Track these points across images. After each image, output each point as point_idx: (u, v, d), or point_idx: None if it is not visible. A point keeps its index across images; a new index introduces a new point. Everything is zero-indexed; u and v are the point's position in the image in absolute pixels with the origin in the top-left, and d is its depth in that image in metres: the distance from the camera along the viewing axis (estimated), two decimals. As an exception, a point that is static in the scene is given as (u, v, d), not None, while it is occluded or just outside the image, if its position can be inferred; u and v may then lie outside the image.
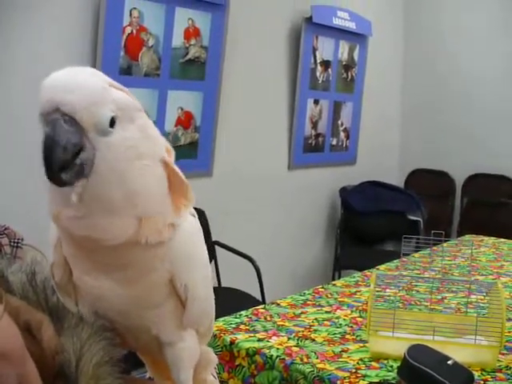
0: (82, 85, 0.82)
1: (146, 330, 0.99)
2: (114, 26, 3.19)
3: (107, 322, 0.93)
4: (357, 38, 4.98)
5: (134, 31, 3.30)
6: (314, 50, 4.61)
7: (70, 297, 0.98)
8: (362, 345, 1.94)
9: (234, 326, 2.06)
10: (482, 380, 1.74)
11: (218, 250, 3.82)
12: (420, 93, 5.76)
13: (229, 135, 4.00)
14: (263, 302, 3.54)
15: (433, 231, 2.22)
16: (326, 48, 4.72)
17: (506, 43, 5.26)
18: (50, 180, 0.82)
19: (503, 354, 1.89)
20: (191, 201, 0.97)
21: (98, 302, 0.95)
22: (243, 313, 2.21)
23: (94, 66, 3.15)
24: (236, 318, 2.15)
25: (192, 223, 1.00)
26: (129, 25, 3.27)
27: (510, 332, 2.06)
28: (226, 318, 2.14)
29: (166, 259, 0.95)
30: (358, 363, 1.80)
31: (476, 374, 1.71)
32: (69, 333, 0.83)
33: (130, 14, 3.25)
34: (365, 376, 1.72)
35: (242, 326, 2.06)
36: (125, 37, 3.26)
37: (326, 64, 4.76)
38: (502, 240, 3.71)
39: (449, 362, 1.63)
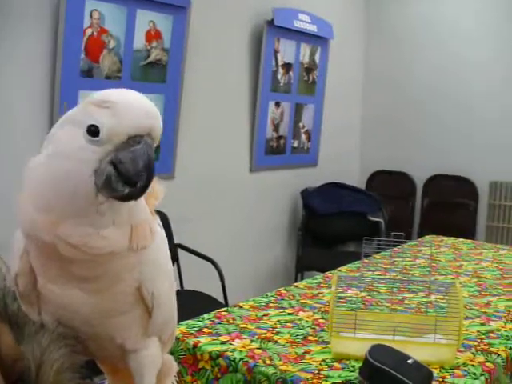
0: (158, 114, 0.93)
1: (110, 339, 1.00)
2: (74, 28, 3.16)
3: (70, 330, 0.93)
4: (318, 40, 5.02)
5: (95, 33, 3.27)
6: (276, 52, 4.63)
7: (32, 306, 0.98)
8: (324, 346, 1.96)
9: (196, 329, 2.06)
10: (441, 377, 1.77)
11: (181, 252, 3.81)
12: (380, 95, 5.83)
13: (191, 138, 4.00)
14: (226, 304, 3.55)
15: (393, 233, 2.25)
16: (287, 51, 4.74)
17: (459, 52, 5.36)
18: (124, 194, 0.90)
19: (461, 352, 1.93)
20: (159, 200, 1.01)
21: (62, 311, 0.95)
22: (206, 316, 2.21)
23: (53, 68, 3.12)
24: (199, 321, 2.15)
25: (160, 233, 1.02)
26: (89, 27, 3.24)
27: (467, 330, 2.11)
28: (188, 321, 2.14)
29: (136, 268, 0.96)
30: (320, 364, 1.82)
31: (435, 372, 1.74)
32: (29, 340, 0.83)
33: (91, 16, 3.23)
34: (327, 377, 1.73)
35: (204, 329, 2.06)
36: (85, 39, 3.24)
37: (287, 67, 4.78)
38: (461, 240, 3.78)
39: (409, 361, 1.66)
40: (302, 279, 4.72)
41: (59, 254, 0.90)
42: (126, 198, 0.90)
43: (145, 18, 3.51)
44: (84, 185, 0.89)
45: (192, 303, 3.34)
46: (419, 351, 1.79)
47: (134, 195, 0.91)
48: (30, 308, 0.98)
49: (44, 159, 0.92)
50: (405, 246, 3.08)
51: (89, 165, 0.89)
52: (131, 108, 0.89)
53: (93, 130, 0.88)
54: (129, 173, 0.88)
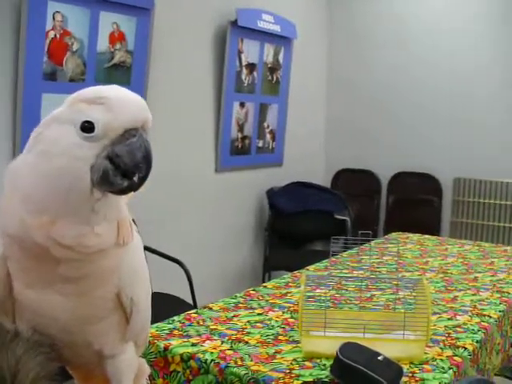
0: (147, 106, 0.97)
1: (87, 345, 0.99)
2: (36, 30, 3.12)
3: (45, 338, 0.92)
4: (282, 40, 5.04)
5: (58, 35, 3.24)
6: (240, 52, 4.63)
7: (7, 314, 0.97)
8: (294, 345, 1.97)
9: (167, 331, 2.06)
10: (411, 372, 1.80)
11: (147, 254, 3.78)
12: (344, 95, 5.88)
13: (156, 139, 3.94)
14: (194, 305, 3.54)
15: (360, 231, 2.27)
16: (251, 51, 4.75)
17: (420, 51, 5.44)
18: (124, 187, 0.92)
19: (429, 347, 1.96)
20: (130, 198, 1.02)
21: (39, 318, 0.94)
22: (176, 318, 2.20)
23: (16, 71, 3.08)
24: (169, 323, 2.15)
25: (137, 238, 1.02)
26: (52, 29, 3.20)
27: (435, 325, 2.14)
28: (158, 324, 2.13)
29: (116, 272, 0.96)
30: (291, 363, 1.83)
31: (405, 367, 1.77)
32: (3, 349, 0.82)
33: (53, 18, 3.19)
34: (299, 376, 1.74)
35: (175, 332, 2.06)
36: (48, 41, 3.20)
37: (251, 67, 4.79)
38: (427, 236, 3.83)
39: (379, 358, 1.68)
40: (269, 279, 4.73)
41: (47, 256, 0.89)
42: (125, 191, 0.92)
43: (108, 20, 3.48)
44: (80, 182, 0.89)
45: (160, 305, 3.31)
46: (389, 348, 1.81)
47: (134, 187, 0.92)
48: (5, 316, 0.97)
49: (32, 159, 0.91)
50: (371, 243, 3.11)
51: (85, 161, 0.89)
52: (126, 102, 0.92)
53: (87, 127, 0.89)
54: (127, 165, 0.89)
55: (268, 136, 5.15)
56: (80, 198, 0.89)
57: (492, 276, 2.90)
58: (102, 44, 3.49)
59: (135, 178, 0.92)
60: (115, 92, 0.93)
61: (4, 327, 0.88)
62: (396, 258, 3.11)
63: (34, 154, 0.92)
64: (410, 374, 1.78)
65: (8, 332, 0.86)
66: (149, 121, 0.96)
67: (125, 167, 0.90)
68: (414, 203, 5.42)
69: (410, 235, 3.83)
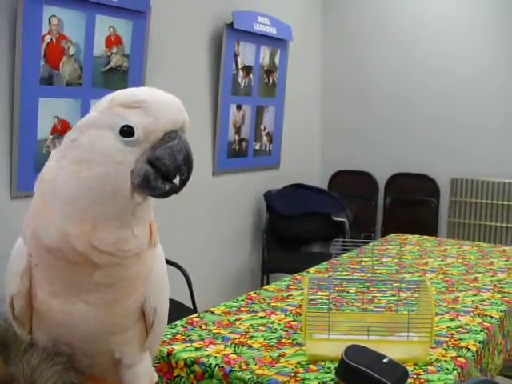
0: None
1: (108, 355, 0.98)
2: (32, 35, 3.11)
3: (63, 348, 0.91)
4: (277, 42, 5.04)
5: (54, 39, 3.22)
6: (236, 55, 4.63)
7: (24, 325, 0.95)
8: (298, 348, 1.96)
9: (169, 336, 2.05)
10: (415, 374, 1.80)
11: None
12: (340, 97, 5.88)
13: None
14: (194, 309, 3.53)
15: (363, 234, 2.27)
16: (247, 53, 4.75)
17: (414, 54, 5.45)
18: (166, 191, 0.92)
19: (433, 348, 1.96)
20: None
21: (60, 328, 0.93)
22: (178, 322, 2.19)
23: (12, 75, 3.06)
24: (171, 328, 2.14)
25: (161, 248, 1.02)
26: (48, 33, 3.19)
27: (437, 326, 2.14)
28: (160, 328, 2.12)
29: (144, 280, 0.95)
30: (296, 367, 1.82)
31: (409, 369, 1.76)
32: (17, 360, 0.81)
33: (49, 22, 3.18)
34: (304, 379, 1.74)
35: (178, 336, 2.05)
36: (44, 45, 3.18)
37: (247, 69, 4.79)
38: (426, 237, 3.84)
39: (384, 360, 1.68)
40: (267, 281, 4.73)
41: (84, 263, 0.88)
42: (167, 194, 0.91)
43: (104, 24, 3.47)
44: (121, 187, 0.88)
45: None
46: (393, 350, 1.81)
47: (175, 190, 0.92)
48: (21, 327, 0.95)
49: (70, 167, 0.89)
50: (371, 245, 3.11)
51: (126, 166, 0.88)
52: (165, 104, 0.90)
53: (127, 131, 0.87)
54: (168, 168, 0.88)
55: (265, 138, 5.15)
56: (121, 203, 0.88)
57: (492, 276, 2.91)
58: (99, 48, 3.47)
59: (176, 181, 0.91)
60: (152, 94, 0.91)
61: (19, 338, 0.87)
62: (396, 260, 3.10)
63: (71, 162, 0.89)
64: (415, 376, 1.78)
65: (21, 343, 0.85)
66: (187, 122, 0.93)
67: (166, 170, 0.89)
68: (412, 204, 5.43)
69: (409, 236, 3.83)
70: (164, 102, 0.91)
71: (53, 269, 0.91)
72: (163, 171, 0.89)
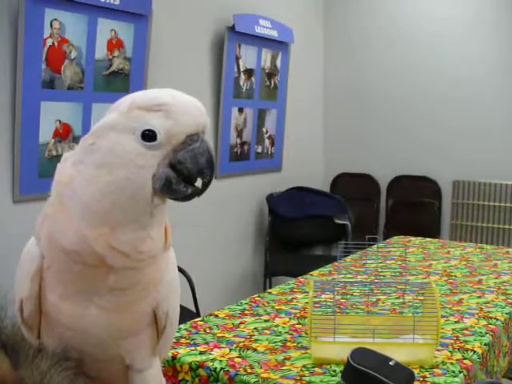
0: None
1: (118, 359, 0.97)
2: (34, 38, 3.10)
3: (73, 352, 0.90)
4: (279, 45, 5.03)
5: (56, 43, 3.22)
6: (237, 58, 4.62)
7: (32, 329, 0.94)
8: (303, 351, 1.95)
9: (174, 340, 2.04)
10: (421, 377, 1.79)
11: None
12: (342, 98, 5.88)
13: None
14: (197, 313, 3.52)
15: (368, 236, 2.26)
16: (248, 56, 4.74)
17: (414, 57, 5.45)
18: (188, 194, 0.91)
19: (439, 350, 1.95)
20: None
21: (71, 332, 0.92)
22: (182, 326, 2.18)
23: (14, 79, 3.06)
24: (175, 331, 2.13)
25: (173, 251, 1.01)
26: (50, 36, 3.18)
27: (442, 329, 2.13)
28: (165, 332, 2.11)
29: (157, 284, 0.95)
30: (301, 370, 1.81)
31: (415, 372, 1.75)
32: (27, 365, 0.80)
33: (51, 26, 3.17)
34: (309, 382, 1.73)
35: (182, 340, 2.04)
36: (46, 49, 3.18)
37: (249, 72, 4.78)
38: (429, 239, 3.83)
39: (391, 363, 1.67)
40: (270, 284, 4.72)
41: (100, 266, 0.87)
42: (189, 198, 0.90)
43: (106, 27, 3.46)
44: (142, 191, 0.87)
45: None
46: (398, 352, 1.80)
47: (198, 193, 0.91)
48: (30, 332, 0.94)
49: (90, 171, 0.88)
50: (374, 247, 3.11)
51: (148, 170, 0.87)
52: (185, 107, 0.89)
53: (149, 135, 0.86)
54: (190, 172, 0.87)
55: (267, 141, 5.14)
56: (141, 207, 0.88)
57: (496, 278, 2.90)
58: (100, 51, 3.46)
59: (198, 184, 0.90)
60: (173, 97, 0.90)
61: (28, 342, 0.86)
62: (400, 262, 3.10)
63: (91, 166, 0.88)
64: (422, 379, 1.78)
65: (30, 347, 0.84)
66: (208, 124, 0.92)
67: (188, 173, 0.88)
68: (414, 206, 5.42)
69: (412, 238, 3.82)
70: (185, 104, 0.90)
71: (66, 271, 0.90)
72: (185, 174, 0.88)
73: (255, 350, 1.97)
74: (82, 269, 0.88)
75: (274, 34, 4.86)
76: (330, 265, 3.11)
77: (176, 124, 0.87)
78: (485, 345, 2.06)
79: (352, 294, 2.52)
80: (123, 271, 0.89)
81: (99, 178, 0.87)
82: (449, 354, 1.96)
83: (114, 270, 0.88)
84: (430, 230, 5.20)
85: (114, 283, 0.89)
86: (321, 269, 3.03)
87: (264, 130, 5.08)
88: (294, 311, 2.38)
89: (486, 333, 2.16)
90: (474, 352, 1.98)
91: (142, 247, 0.89)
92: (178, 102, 0.89)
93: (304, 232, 5.04)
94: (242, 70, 4.69)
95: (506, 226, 5.16)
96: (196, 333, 2.12)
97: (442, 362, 1.90)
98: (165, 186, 0.87)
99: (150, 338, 1.00)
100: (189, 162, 0.88)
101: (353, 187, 5.71)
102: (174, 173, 0.88)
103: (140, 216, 0.88)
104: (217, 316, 2.31)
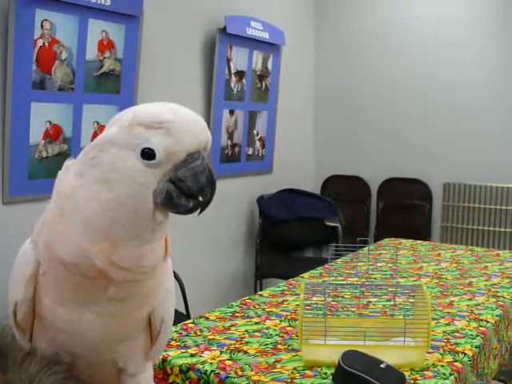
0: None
1: (111, 363, 0.97)
2: (24, 39, 3.08)
3: (66, 356, 0.89)
4: (270, 47, 5.03)
5: (46, 44, 3.20)
6: (229, 60, 4.62)
7: (24, 332, 0.94)
8: (294, 354, 1.95)
9: (164, 342, 2.03)
10: (412, 379, 1.79)
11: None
12: (333, 101, 5.88)
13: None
14: (187, 315, 3.51)
15: (359, 238, 2.26)
16: (240, 58, 4.74)
17: (404, 60, 5.47)
18: (189, 208, 0.91)
19: (429, 353, 1.95)
20: None
21: (64, 335, 0.91)
22: (173, 328, 2.17)
23: (4, 80, 3.04)
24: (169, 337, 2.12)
25: (169, 259, 1.01)
26: (40, 37, 3.16)
27: (433, 331, 2.12)
28: (155, 334, 2.10)
29: (155, 292, 0.94)
30: (292, 372, 1.81)
31: (406, 374, 1.75)
32: (15, 368, 0.79)
33: (42, 26, 3.16)
34: (300, 385, 1.73)
35: (172, 343, 2.03)
36: (36, 50, 3.16)
37: (240, 74, 4.78)
38: (419, 242, 3.83)
39: (382, 366, 1.67)
40: (261, 286, 4.71)
41: (99, 278, 0.87)
42: (191, 211, 0.91)
43: (97, 28, 3.44)
44: (142, 207, 0.86)
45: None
46: (389, 355, 1.80)
47: (199, 207, 0.91)
48: (23, 334, 0.94)
49: (91, 186, 0.87)
50: (365, 249, 3.10)
51: (147, 187, 0.86)
52: (187, 125, 0.88)
53: (148, 153, 0.86)
54: (191, 190, 0.87)
55: (258, 143, 5.14)
56: (142, 223, 0.87)
57: (486, 280, 2.91)
58: (91, 52, 3.45)
59: (201, 200, 0.89)
60: (174, 113, 0.89)
61: (17, 345, 0.85)
62: (390, 264, 3.10)
63: (92, 181, 0.88)
64: (412, 381, 1.77)
65: (19, 351, 0.83)
66: (210, 141, 0.91)
67: (189, 191, 0.88)
68: (404, 209, 5.43)
69: (403, 241, 3.83)
70: (186, 122, 0.89)
71: (63, 280, 0.89)
72: (186, 192, 0.88)
73: (246, 352, 1.96)
74: (80, 280, 0.88)
75: (265, 36, 4.85)
76: (320, 267, 3.11)
77: (176, 142, 0.86)
78: (475, 347, 2.06)
79: (343, 297, 2.52)
80: (123, 284, 0.89)
81: (100, 193, 0.86)
82: (439, 356, 1.96)
83: (114, 282, 0.88)
84: (421, 232, 5.20)
85: (113, 294, 0.89)
86: (312, 271, 3.03)
87: (255, 131, 5.08)
88: (284, 313, 2.37)
89: (477, 335, 2.16)
90: (465, 354, 1.98)
91: (144, 262, 0.88)
92: (179, 119, 0.88)
93: (295, 234, 5.04)
94: (233, 71, 4.69)
95: (497, 229, 5.18)
96: (186, 335, 2.12)
97: (433, 364, 1.89)
98: (166, 199, 0.87)
99: (144, 342, 1.00)
100: (189, 181, 0.87)
101: (343, 189, 5.71)
102: (175, 188, 0.88)
103: (142, 232, 0.88)
104: (207, 318, 2.31)
